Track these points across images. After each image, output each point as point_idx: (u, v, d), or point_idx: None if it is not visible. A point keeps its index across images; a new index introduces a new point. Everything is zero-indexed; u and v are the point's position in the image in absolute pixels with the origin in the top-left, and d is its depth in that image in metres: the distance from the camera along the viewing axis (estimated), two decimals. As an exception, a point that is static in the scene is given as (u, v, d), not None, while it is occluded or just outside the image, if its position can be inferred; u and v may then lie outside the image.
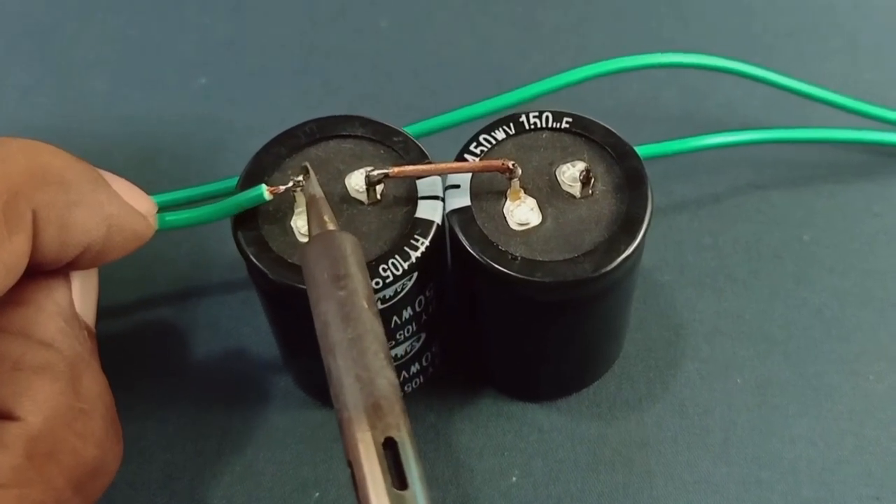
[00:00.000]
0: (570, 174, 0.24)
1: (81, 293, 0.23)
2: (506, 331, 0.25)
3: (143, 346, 0.29)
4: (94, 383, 0.21)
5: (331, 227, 0.21)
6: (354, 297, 0.20)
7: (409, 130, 0.26)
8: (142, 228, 0.22)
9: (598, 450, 0.27)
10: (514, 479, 0.26)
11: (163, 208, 0.24)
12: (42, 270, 0.21)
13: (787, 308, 0.29)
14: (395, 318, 0.24)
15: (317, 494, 0.26)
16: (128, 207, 0.22)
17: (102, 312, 0.30)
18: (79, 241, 0.21)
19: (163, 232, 0.24)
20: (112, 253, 0.22)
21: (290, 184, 0.23)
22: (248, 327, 0.29)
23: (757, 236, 0.31)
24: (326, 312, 0.19)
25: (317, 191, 0.22)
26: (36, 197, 0.20)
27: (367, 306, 0.20)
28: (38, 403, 0.20)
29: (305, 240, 0.23)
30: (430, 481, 0.26)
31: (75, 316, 0.22)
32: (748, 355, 0.28)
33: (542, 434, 0.27)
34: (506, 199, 0.24)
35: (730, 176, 0.32)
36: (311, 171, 0.23)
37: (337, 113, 0.25)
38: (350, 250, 0.20)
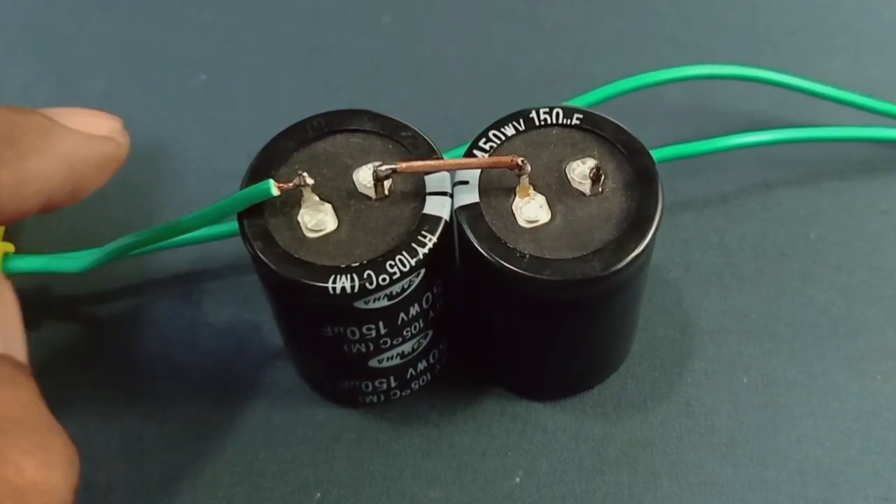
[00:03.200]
0: (579, 171, 0.24)
1: None
2: (513, 329, 0.25)
3: (142, 345, 0.29)
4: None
5: None
6: None
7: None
8: (110, 150, 0.22)
9: (603, 450, 0.27)
10: (517, 479, 0.26)
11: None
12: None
13: (794, 306, 0.29)
14: (402, 314, 0.24)
15: (318, 495, 0.26)
16: (87, 138, 0.21)
17: (102, 311, 0.30)
18: (39, 190, 0.20)
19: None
20: (89, 185, 0.21)
21: (298, 179, 0.23)
22: (249, 326, 0.29)
23: (763, 234, 0.31)
24: None
25: None
26: None
27: None
28: None
29: (312, 235, 0.23)
30: (433, 481, 0.26)
31: None
32: (754, 354, 0.28)
33: (546, 434, 0.27)
34: (515, 196, 0.24)
35: (736, 173, 0.32)
36: None
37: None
38: None
